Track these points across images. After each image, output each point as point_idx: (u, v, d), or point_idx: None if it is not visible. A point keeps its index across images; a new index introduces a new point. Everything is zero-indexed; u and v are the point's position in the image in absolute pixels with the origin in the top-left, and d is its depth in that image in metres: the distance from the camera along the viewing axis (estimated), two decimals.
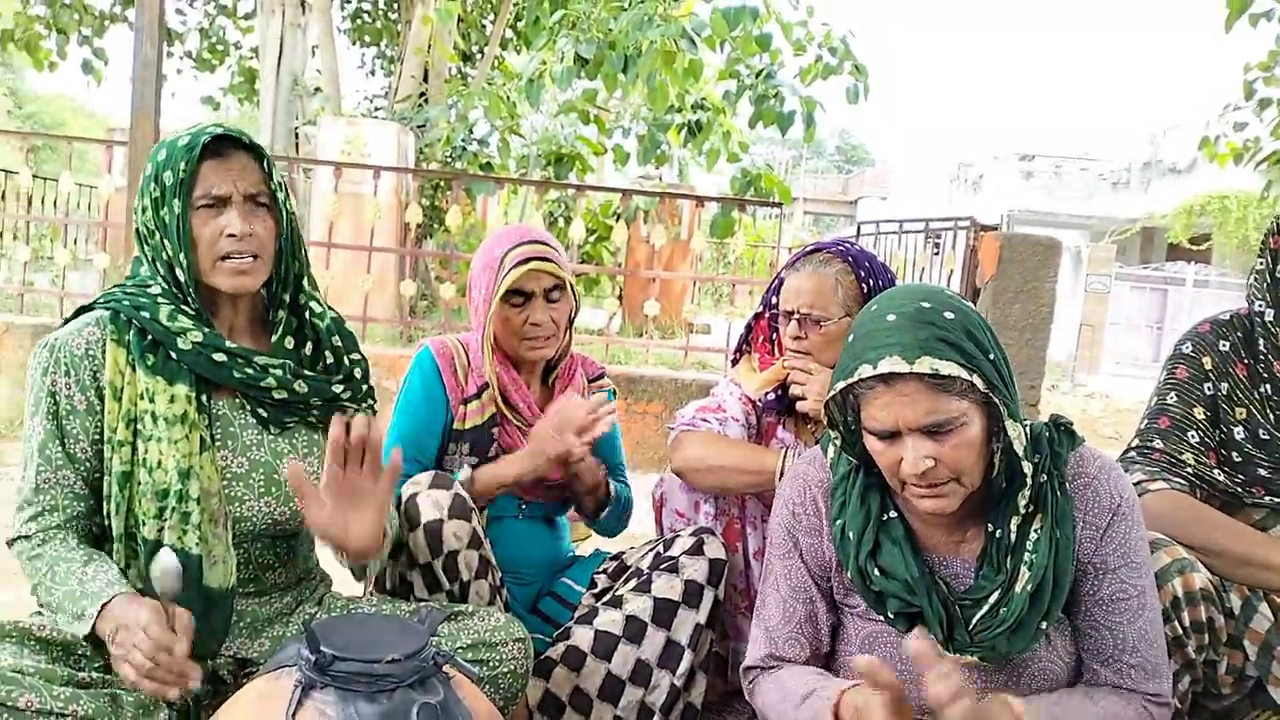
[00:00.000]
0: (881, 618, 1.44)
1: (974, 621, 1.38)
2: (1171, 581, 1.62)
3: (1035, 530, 1.37)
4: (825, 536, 1.51)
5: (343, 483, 1.50)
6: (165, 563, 1.38)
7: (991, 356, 1.32)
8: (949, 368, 1.27)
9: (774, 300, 2.22)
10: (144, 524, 1.51)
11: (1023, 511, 1.37)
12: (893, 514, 1.46)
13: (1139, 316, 18.99)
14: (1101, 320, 16.97)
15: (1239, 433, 1.87)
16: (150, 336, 1.55)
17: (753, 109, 7.07)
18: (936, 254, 5.90)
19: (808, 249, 2.19)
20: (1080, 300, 16.92)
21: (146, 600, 1.37)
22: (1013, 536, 1.37)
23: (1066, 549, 1.37)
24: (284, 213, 1.63)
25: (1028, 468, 1.35)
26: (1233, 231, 19.23)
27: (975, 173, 25.06)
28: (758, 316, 2.30)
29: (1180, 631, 1.63)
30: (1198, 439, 1.87)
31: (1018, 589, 1.35)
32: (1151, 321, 18.68)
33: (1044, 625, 1.36)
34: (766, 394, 2.17)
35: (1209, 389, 1.90)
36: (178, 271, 1.56)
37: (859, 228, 6.87)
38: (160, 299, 1.56)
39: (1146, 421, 1.94)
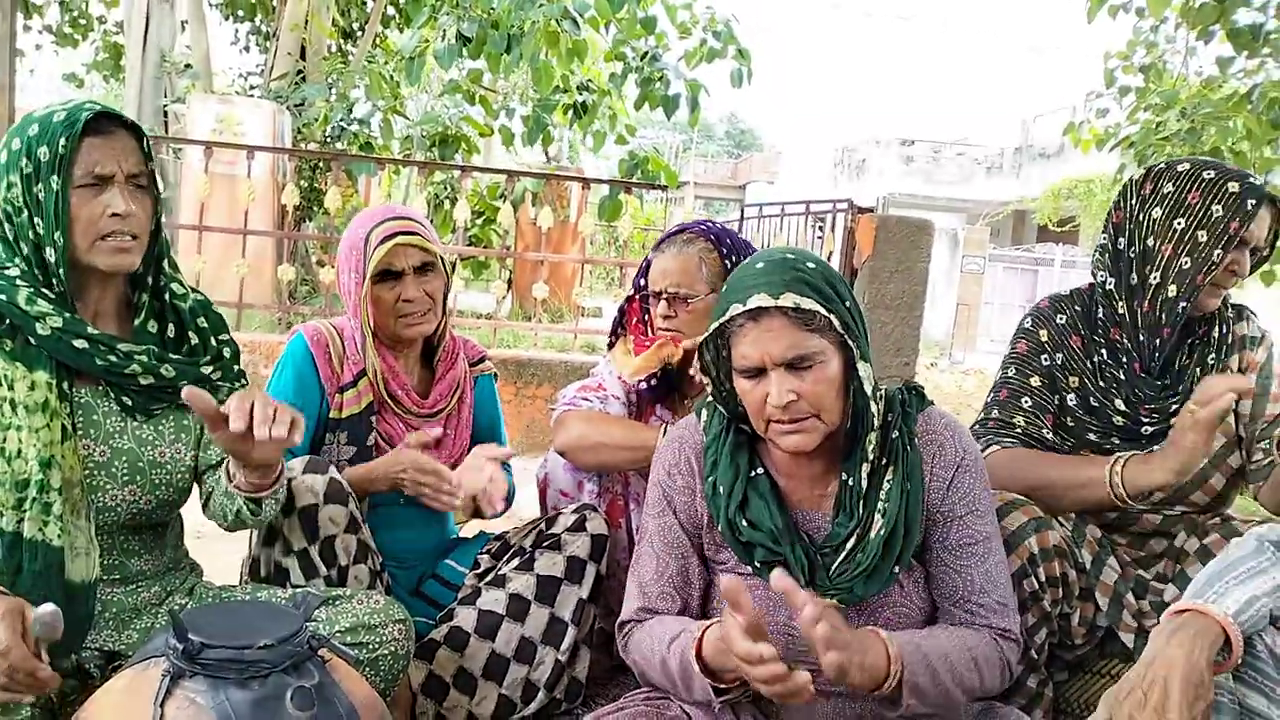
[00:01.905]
0: (749, 569, 1.51)
1: (833, 568, 1.47)
2: (1028, 540, 1.73)
3: (887, 481, 1.48)
4: (698, 495, 1.58)
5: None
6: (44, 616, 1.31)
7: (847, 304, 1.45)
8: (809, 303, 1.39)
9: (643, 282, 2.27)
10: (3, 515, 1.45)
11: (870, 458, 1.48)
12: (759, 470, 1.55)
13: (1012, 296, 19.81)
14: (977, 300, 17.67)
15: (1071, 400, 2.00)
16: (8, 321, 1.48)
17: (638, 91, 7.10)
18: (820, 236, 6.04)
19: (671, 231, 2.26)
20: (956, 281, 17.57)
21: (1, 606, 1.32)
22: (864, 484, 1.48)
23: (916, 498, 1.48)
24: (156, 193, 1.60)
25: (875, 408, 1.47)
26: (1097, 214, 20.14)
27: (858, 157, 25.67)
28: (629, 299, 2.33)
29: (1036, 586, 1.74)
30: (1031, 404, 1.99)
31: (872, 534, 1.46)
32: (1023, 301, 19.49)
33: (897, 570, 1.46)
34: (639, 381, 2.21)
35: (1045, 360, 2.02)
36: (47, 251, 1.50)
37: (743, 210, 6.98)
38: (19, 281, 1.50)
39: (991, 394, 2.07)
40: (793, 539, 1.48)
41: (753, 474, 1.54)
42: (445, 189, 8.43)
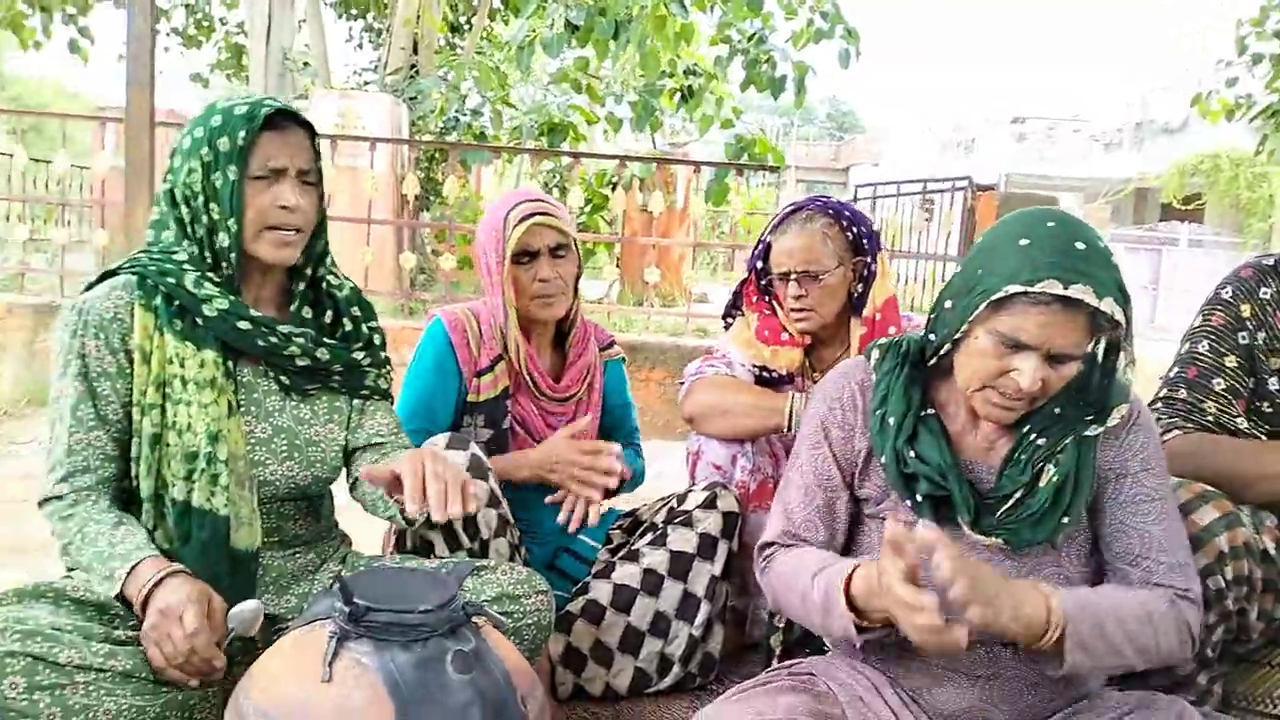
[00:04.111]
0: (908, 503, 1.47)
1: (999, 512, 1.43)
2: (1218, 537, 1.62)
3: (1064, 437, 1.43)
4: (858, 430, 1.55)
5: None
6: (244, 613, 1.40)
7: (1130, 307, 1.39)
8: (1119, 316, 1.32)
9: (759, 265, 2.26)
10: (173, 485, 1.54)
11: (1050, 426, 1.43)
12: (930, 411, 1.51)
13: (1134, 277, 18.98)
14: None
15: (1273, 383, 1.84)
16: (177, 302, 1.56)
17: (744, 74, 7.05)
18: (929, 218, 5.91)
19: (787, 211, 2.23)
20: None
21: (192, 586, 1.40)
22: (1040, 441, 1.43)
23: (1088, 455, 1.43)
24: (322, 189, 1.67)
25: (1117, 416, 1.44)
26: (1224, 191, 19.25)
27: (967, 137, 25.03)
28: (744, 281, 2.33)
29: (1222, 585, 1.63)
30: (1224, 386, 1.84)
31: (1042, 484, 1.41)
32: (1147, 282, 18.68)
33: (1065, 520, 1.41)
34: (757, 367, 2.22)
35: (1243, 338, 1.85)
36: (219, 236, 1.57)
37: (855, 191, 6.87)
38: (187, 265, 1.57)
39: (1176, 369, 1.91)
40: (959, 478, 1.44)
41: (923, 413, 1.50)
42: (554, 177, 8.53)
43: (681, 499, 2.09)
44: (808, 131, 48.15)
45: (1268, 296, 1.86)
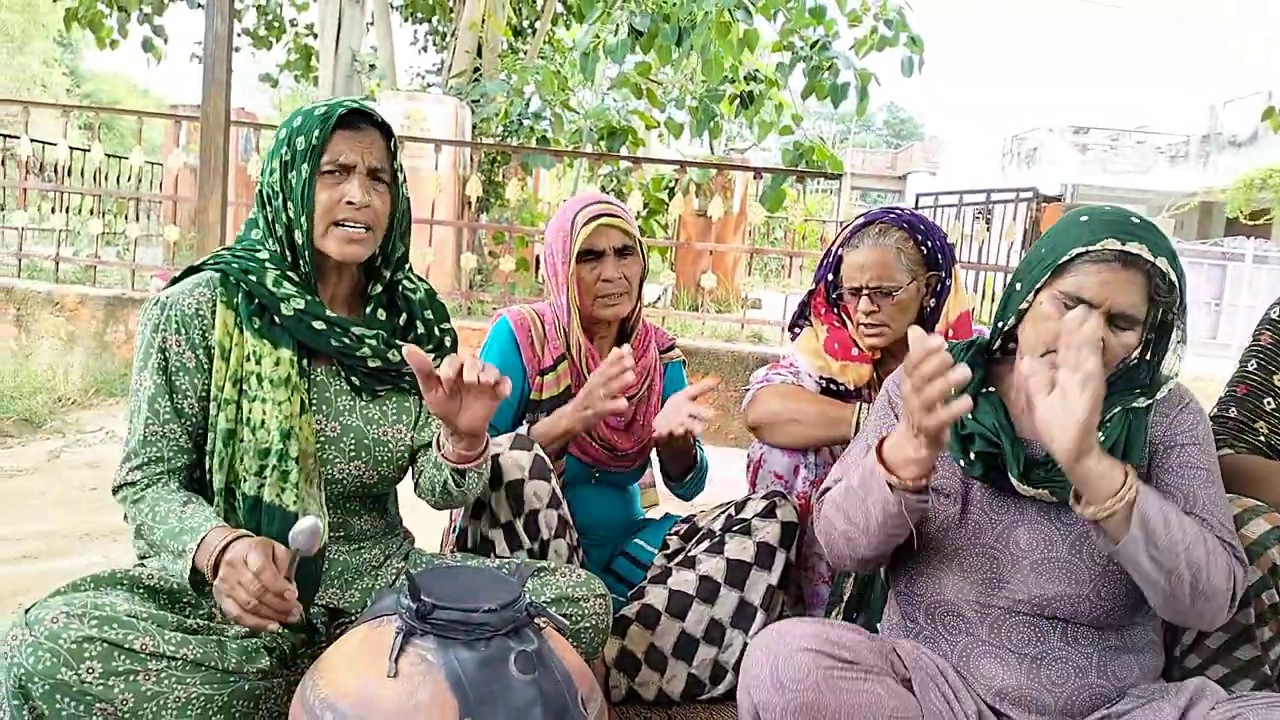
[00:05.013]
0: (961, 463, 1.52)
1: (1049, 470, 1.47)
2: (1271, 549, 1.59)
3: (1113, 409, 1.49)
4: None
5: (454, 387, 1.52)
6: (304, 527, 1.40)
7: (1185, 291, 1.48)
8: (1171, 278, 1.41)
9: (830, 278, 2.23)
10: (244, 480, 1.57)
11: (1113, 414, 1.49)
12: (991, 389, 1.56)
13: (1199, 293, 18.53)
14: None
15: None
16: (257, 300, 1.60)
17: (805, 81, 7.02)
18: (989, 228, 5.83)
19: (859, 223, 2.18)
20: None
21: (254, 539, 1.42)
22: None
23: (1139, 426, 1.49)
24: (400, 194, 1.69)
25: (1165, 389, 1.51)
26: None
27: (1028, 146, 24.63)
28: (812, 293, 2.30)
29: (1278, 598, 1.60)
30: (1274, 405, 1.85)
31: None
32: (1210, 298, 18.22)
33: None
34: (824, 379, 2.20)
35: None
36: (295, 234, 1.61)
37: (916, 200, 6.80)
38: (268, 264, 1.61)
39: (1227, 389, 1.93)
40: (1012, 436, 1.49)
41: (985, 390, 1.55)
42: (612, 181, 8.57)
43: (740, 507, 2.09)
44: (865, 139, 47.79)
45: None
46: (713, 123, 7.28)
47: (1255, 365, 1.90)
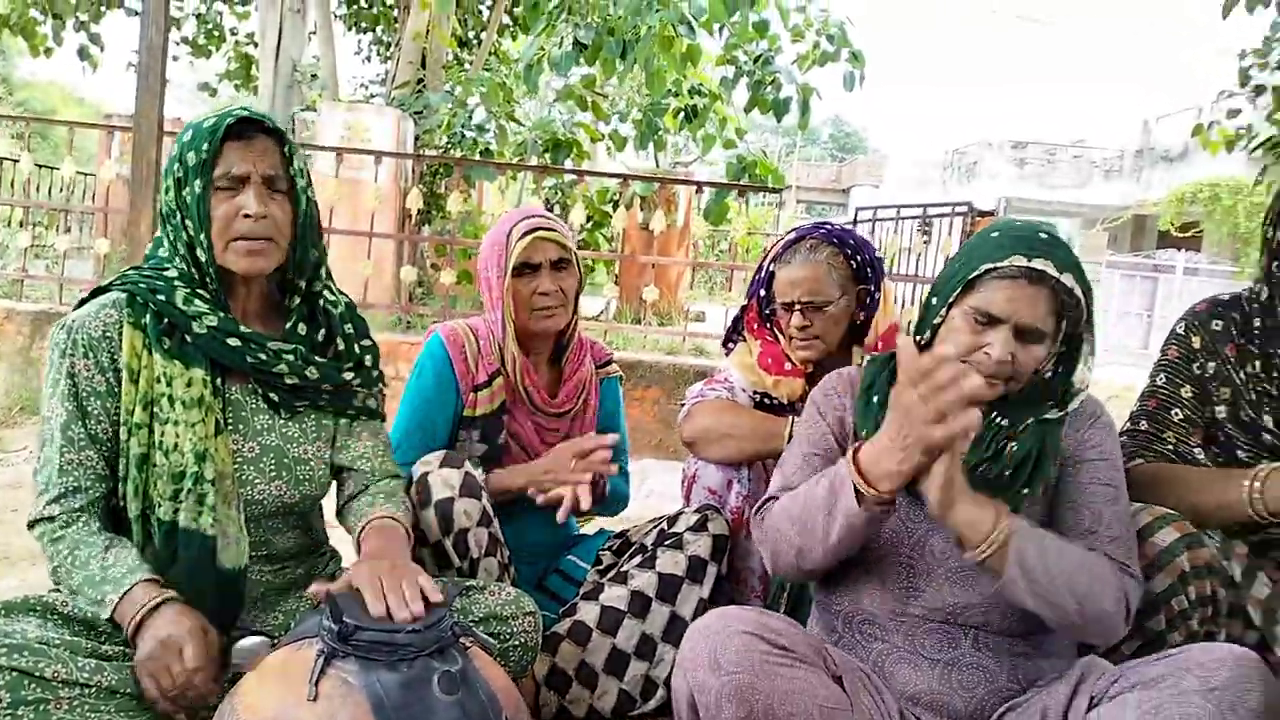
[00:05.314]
0: None
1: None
2: (1179, 557, 1.64)
3: (1026, 421, 1.54)
4: (849, 411, 1.69)
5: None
6: (248, 648, 1.39)
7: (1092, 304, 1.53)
8: (1077, 293, 1.47)
9: (762, 293, 2.26)
10: (159, 505, 1.52)
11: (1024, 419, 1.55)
12: None
13: (1130, 304, 19.02)
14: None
15: (1221, 412, 1.89)
16: (166, 319, 1.55)
17: (749, 95, 7.08)
18: (927, 241, 5.93)
19: (790, 239, 2.22)
20: None
21: (187, 618, 1.40)
22: (1003, 422, 1.55)
23: (1052, 438, 1.54)
24: (304, 199, 1.64)
25: (1077, 401, 1.57)
26: (1222, 220, 19.31)
27: (968, 160, 25.09)
28: (744, 308, 2.33)
29: (1186, 605, 1.64)
30: (1182, 416, 1.91)
31: (1005, 454, 1.53)
32: (1142, 309, 18.71)
33: (1024, 492, 1.52)
34: (758, 394, 2.22)
35: (1197, 368, 1.92)
36: (198, 252, 1.56)
37: (855, 214, 6.89)
38: (177, 282, 1.56)
39: (1139, 403, 1.98)
40: None
41: None
42: (556, 194, 8.56)
43: (672, 521, 2.10)
44: (810, 152, 48.33)
45: (1219, 329, 1.92)
46: (657, 136, 7.31)
47: (1164, 379, 1.95)
